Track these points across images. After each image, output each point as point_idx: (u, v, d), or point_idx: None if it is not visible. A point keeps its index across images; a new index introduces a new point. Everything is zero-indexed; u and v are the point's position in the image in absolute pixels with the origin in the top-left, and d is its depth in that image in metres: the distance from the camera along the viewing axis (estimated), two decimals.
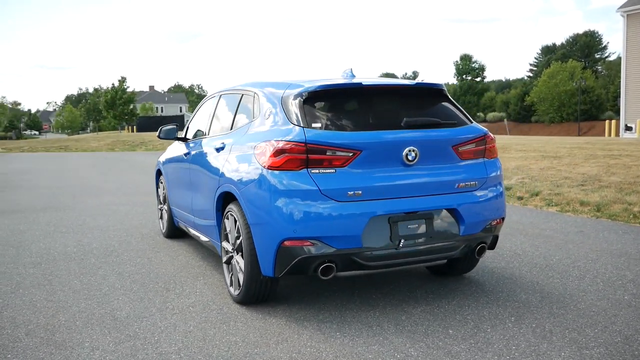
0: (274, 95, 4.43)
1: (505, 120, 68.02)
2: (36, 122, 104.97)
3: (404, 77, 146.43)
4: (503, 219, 4.58)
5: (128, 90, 63.22)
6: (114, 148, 35.09)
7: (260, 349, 3.63)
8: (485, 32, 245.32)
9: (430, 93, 4.58)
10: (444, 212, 4.20)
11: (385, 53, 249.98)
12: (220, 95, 5.60)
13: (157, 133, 6.34)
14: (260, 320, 4.13)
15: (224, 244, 4.72)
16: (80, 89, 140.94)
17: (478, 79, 73.23)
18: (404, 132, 4.15)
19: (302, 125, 4.04)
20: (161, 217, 7.22)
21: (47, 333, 3.96)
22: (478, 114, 72.40)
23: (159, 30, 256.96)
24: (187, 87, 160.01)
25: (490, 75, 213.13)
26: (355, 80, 4.35)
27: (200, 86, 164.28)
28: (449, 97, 4.62)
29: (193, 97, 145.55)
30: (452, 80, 76.80)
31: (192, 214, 5.66)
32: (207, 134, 5.57)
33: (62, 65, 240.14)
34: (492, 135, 4.58)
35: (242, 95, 5.01)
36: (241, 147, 4.48)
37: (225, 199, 4.67)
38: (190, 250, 6.36)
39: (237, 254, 4.44)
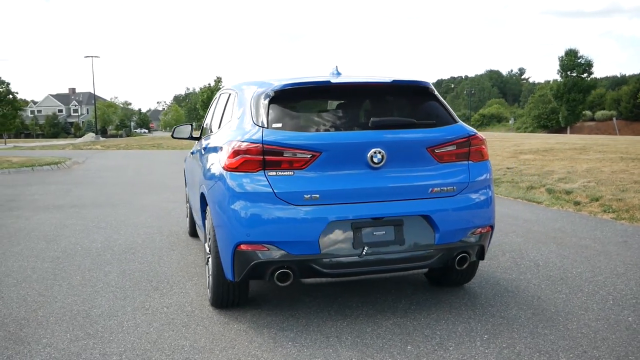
0: (247, 95, 4.32)
1: (614, 119, 63.94)
2: (145, 120, 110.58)
3: (509, 73, 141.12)
4: (491, 227, 4.22)
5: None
6: None
7: (201, 355, 3.54)
8: (602, 26, 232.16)
9: (413, 91, 4.30)
10: (418, 218, 3.92)
11: (492, 50, 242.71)
12: (220, 94, 5.57)
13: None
14: (222, 325, 4.05)
15: (205, 244, 4.68)
16: (187, 89, 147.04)
17: (584, 75, 69.20)
18: (369, 133, 3.91)
19: (264, 125, 3.91)
20: (187, 215, 7.32)
21: (16, 327, 4.08)
22: (585, 112, 68.52)
23: (265, 29, 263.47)
24: None
25: (603, 72, 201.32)
26: (324, 79, 4.14)
27: None
28: (436, 95, 4.30)
29: None
30: (556, 77, 73.16)
31: (195, 213, 5.68)
32: (208, 132, 5.56)
33: (174, 65, 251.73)
34: (480, 136, 4.23)
35: (229, 94, 4.94)
36: (214, 147, 4.42)
37: (204, 199, 4.63)
38: (203, 250, 6.38)
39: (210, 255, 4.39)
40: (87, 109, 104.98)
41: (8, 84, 43.95)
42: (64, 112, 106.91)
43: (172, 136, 6.22)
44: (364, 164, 3.84)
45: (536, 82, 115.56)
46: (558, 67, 68.01)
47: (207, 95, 63.14)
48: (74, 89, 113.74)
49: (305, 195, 3.75)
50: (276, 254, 3.75)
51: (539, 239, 6.53)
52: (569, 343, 3.61)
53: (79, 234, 7.42)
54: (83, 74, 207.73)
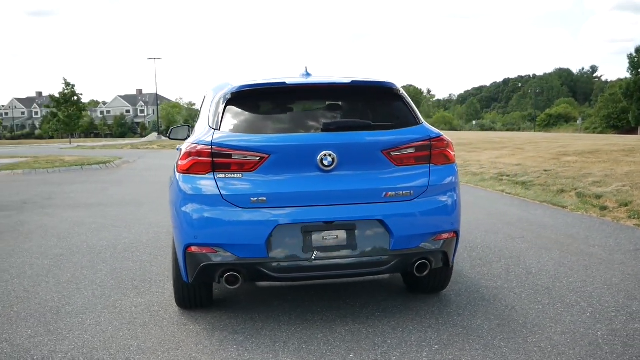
0: (212, 97, 4.32)
1: None
2: None
3: (580, 72, 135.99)
4: (456, 233, 4.06)
5: None
6: None
7: (143, 356, 3.57)
8: None
9: (376, 92, 4.19)
10: (372, 223, 3.81)
11: (562, 47, 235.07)
12: (204, 96, 5.59)
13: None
14: (178, 326, 4.06)
15: None
16: None
17: None
18: (319, 136, 3.83)
19: (217, 127, 3.90)
20: None
21: None
22: None
23: (328, 27, 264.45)
24: None
25: None
26: (279, 80, 4.08)
27: None
28: (401, 96, 4.17)
29: None
30: (626, 74, 69.99)
31: None
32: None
33: (239, 65, 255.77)
34: (445, 139, 4.08)
35: (205, 96, 4.96)
36: (179, 149, 4.44)
37: None
38: None
39: None
40: (153, 110, 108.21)
41: (73, 85, 46.07)
42: (131, 113, 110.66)
43: (169, 137, 6.29)
44: (315, 167, 3.77)
45: (608, 80, 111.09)
46: (627, 65, 65.27)
47: None
48: (140, 90, 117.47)
49: (252, 198, 3.71)
50: (224, 256, 3.73)
51: (545, 245, 6.25)
52: (520, 357, 3.43)
53: (92, 232, 7.64)
54: (151, 75, 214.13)
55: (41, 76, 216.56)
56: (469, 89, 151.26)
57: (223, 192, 3.72)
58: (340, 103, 4.20)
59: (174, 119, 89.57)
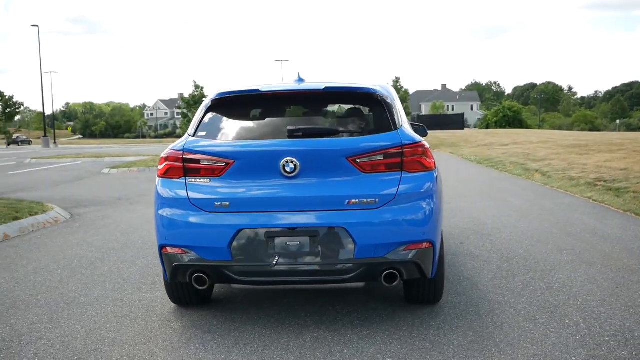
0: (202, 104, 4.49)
1: None
2: None
3: None
4: (431, 243, 3.91)
5: (403, 89, 65.12)
6: None
7: (112, 348, 3.80)
8: None
9: (352, 98, 4.16)
10: (336, 230, 3.78)
11: None
12: None
13: None
14: (162, 322, 4.26)
15: None
16: None
17: None
18: (282, 142, 3.87)
19: (194, 134, 4.07)
20: None
21: (6, 307, 4.70)
22: None
23: (458, 26, 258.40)
24: (484, 85, 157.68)
25: None
26: (254, 87, 4.14)
27: (497, 83, 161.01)
28: (382, 101, 4.08)
29: (490, 94, 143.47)
30: None
31: None
32: None
33: (364, 63, 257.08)
34: (422, 145, 3.94)
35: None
36: None
37: None
38: None
39: None
40: None
41: (202, 88, 49.00)
42: None
43: None
44: (278, 173, 3.81)
45: None
46: None
47: None
48: None
49: (216, 203, 3.83)
50: (192, 258, 3.89)
51: (590, 259, 5.78)
52: None
53: (132, 231, 7.91)
54: (277, 77, 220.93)
55: (184, 78, 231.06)
56: (618, 85, 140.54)
57: (191, 196, 3.87)
58: (314, 109, 4.20)
59: None
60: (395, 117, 4.04)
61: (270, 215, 3.81)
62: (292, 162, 3.78)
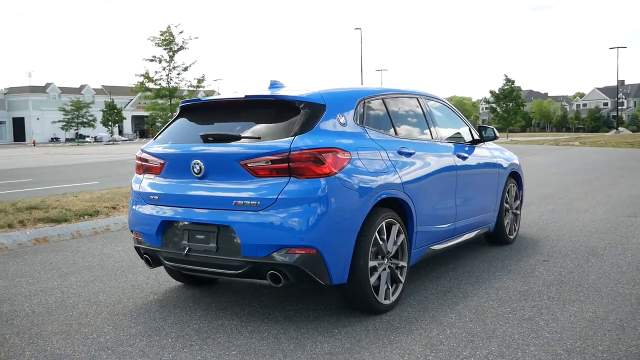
0: None
1: None
2: None
3: None
4: (314, 249, 3.89)
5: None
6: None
7: (81, 329, 4.65)
8: None
9: (270, 105, 4.36)
10: (228, 228, 4.08)
11: None
12: None
13: None
14: (146, 310, 4.81)
15: None
16: None
17: None
18: (191, 146, 4.30)
19: (156, 137, 4.79)
20: None
21: (33, 280, 5.90)
22: None
23: None
24: None
25: None
26: (197, 97, 4.61)
27: None
28: (299, 107, 4.19)
29: None
30: None
31: None
32: None
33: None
34: (314, 153, 3.92)
35: None
36: None
37: None
38: None
39: None
40: (635, 102, 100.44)
41: (513, 81, 47.15)
42: (609, 106, 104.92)
43: None
44: (190, 173, 4.28)
45: None
46: None
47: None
48: (622, 81, 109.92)
49: (151, 196, 4.49)
50: (140, 240, 4.63)
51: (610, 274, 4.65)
52: None
53: None
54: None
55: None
56: None
57: (140, 190, 4.61)
58: (237, 116, 4.48)
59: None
60: (309, 123, 4.10)
61: (183, 210, 4.31)
62: (197, 164, 4.21)
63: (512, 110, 48.75)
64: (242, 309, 4.58)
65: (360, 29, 53.47)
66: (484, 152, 6.25)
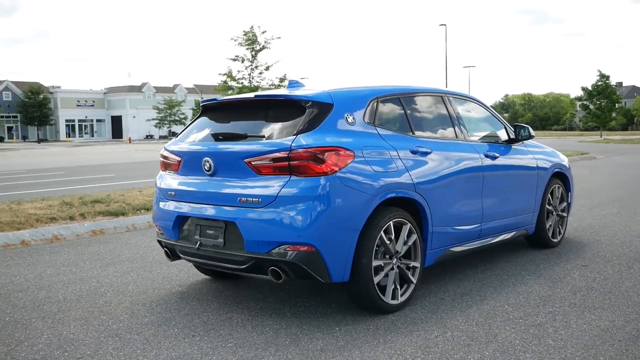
0: None
1: None
2: None
3: None
4: (312, 246, 3.94)
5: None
6: None
7: (73, 310, 5.04)
8: None
9: (278, 104, 4.46)
10: (233, 224, 4.19)
11: None
12: None
13: None
14: (141, 302, 5.02)
15: None
16: None
17: None
18: (205, 144, 4.45)
19: (178, 135, 4.99)
20: None
21: (72, 269, 6.33)
22: None
23: None
24: None
25: None
26: (214, 97, 4.74)
27: None
28: (305, 106, 4.25)
29: None
30: None
31: None
32: None
33: None
34: (312, 152, 3.96)
35: None
36: None
37: None
38: None
39: None
40: None
41: (607, 77, 44.53)
42: None
43: None
44: (201, 171, 4.44)
45: None
46: None
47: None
48: None
49: (169, 192, 4.69)
50: (162, 236, 4.84)
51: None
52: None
53: None
54: None
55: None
56: None
57: (162, 186, 4.83)
58: (249, 115, 4.59)
59: None
60: (312, 122, 4.14)
61: (195, 206, 4.48)
62: (208, 162, 4.37)
63: (606, 108, 46.19)
64: (255, 304, 4.70)
65: (445, 25, 52.41)
66: (521, 152, 6.05)
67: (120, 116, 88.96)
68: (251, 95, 4.55)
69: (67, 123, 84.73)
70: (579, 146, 32.10)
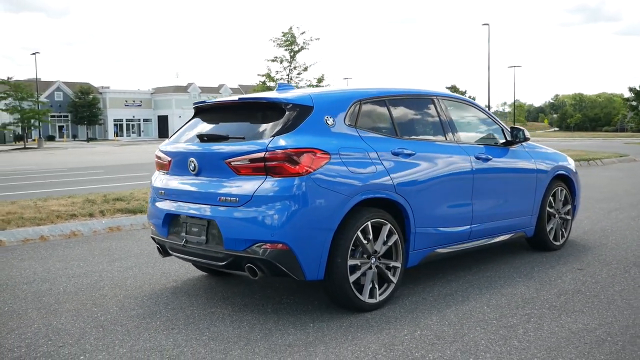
0: None
1: None
2: None
3: None
4: (285, 245, 4.07)
5: None
6: None
7: (69, 298, 5.28)
8: None
9: (264, 107, 4.58)
10: (213, 222, 4.36)
11: None
12: None
13: None
14: (137, 296, 5.27)
15: None
16: None
17: None
18: (189, 145, 4.64)
19: (170, 137, 5.19)
20: None
21: (83, 262, 6.62)
22: None
23: None
24: None
25: None
26: (203, 99, 4.92)
27: None
28: (285, 109, 4.38)
29: None
30: None
31: None
32: None
33: None
34: (288, 152, 4.08)
35: None
36: None
37: None
38: None
39: None
40: None
41: None
42: None
43: None
44: (187, 170, 4.63)
45: None
46: None
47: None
48: None
49: (160, 191, 4.90)
50: (154, 233, 5.05)
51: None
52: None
53: None
54: None
55: None
56: None
57: (154, 185, 5.04)
58: (234, 117, 4.75)
59: None
60: (291, 124, 4.27)
61: (181, 204, 4.67)
62: (192, 162, 4.55)
63: None
64: (241, 299, 4.86)
65: (487, 24, 51.77)
66: (518, 154, 6.03)
67: (167, 116, 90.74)
68: (236, 98, 4.71)
69: (115, 122, 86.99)
70: (622, 148, 31.19)
